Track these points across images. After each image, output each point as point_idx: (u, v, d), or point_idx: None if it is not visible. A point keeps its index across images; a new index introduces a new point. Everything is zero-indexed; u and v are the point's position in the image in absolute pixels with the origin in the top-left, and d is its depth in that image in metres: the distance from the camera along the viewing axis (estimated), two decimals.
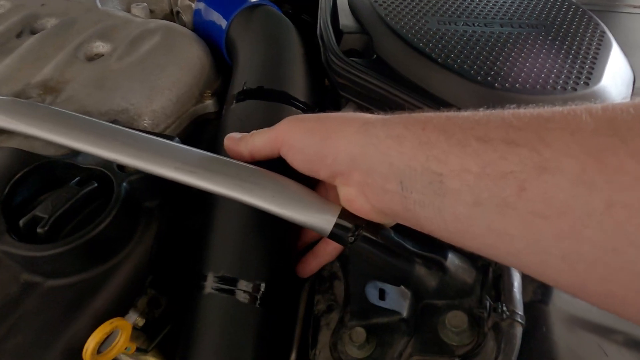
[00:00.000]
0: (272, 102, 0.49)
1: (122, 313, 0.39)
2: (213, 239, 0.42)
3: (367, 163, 0.32)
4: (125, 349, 0.37)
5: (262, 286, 0.40)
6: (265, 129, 0.39)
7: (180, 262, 0.45)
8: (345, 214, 0.37)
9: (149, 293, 0.45)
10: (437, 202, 0.27)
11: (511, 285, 0.34)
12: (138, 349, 0.40)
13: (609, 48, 0.53)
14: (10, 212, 0.39)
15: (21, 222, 0.38)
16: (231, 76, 0.56)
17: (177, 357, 0.40)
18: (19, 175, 0.40)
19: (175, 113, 0.53)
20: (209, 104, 0.56)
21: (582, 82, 0.48)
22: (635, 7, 0.71)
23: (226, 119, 0.50)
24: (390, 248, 0.37)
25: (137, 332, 0.41)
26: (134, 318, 0.40)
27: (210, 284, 0.40)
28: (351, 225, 0.37)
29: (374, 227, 0.37)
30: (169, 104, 0.52)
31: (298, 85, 0.52)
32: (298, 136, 0.36)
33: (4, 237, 0.37)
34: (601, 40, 0.54)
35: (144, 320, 0.42)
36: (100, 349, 0.35)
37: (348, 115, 0.35)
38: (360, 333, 0.38)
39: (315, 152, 0.35)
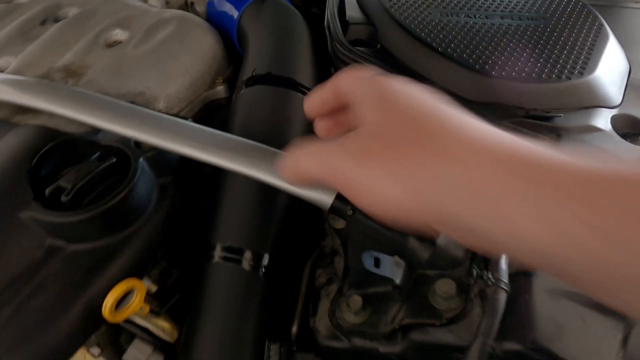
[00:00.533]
0: (279, 88, 0.52)
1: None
2: (221, 212, 0.45)
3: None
4: (140, 309, 0.40)
5: (266, 257, 0.43)
6: (311, 151, 0.31)
7: (190, 238, 0.48)
8: None
9: (161, 264, 0.48)
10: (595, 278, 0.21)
11: (498, 257, 0.36)
12: (151, 311, 0.43)
13: (605, 40, 0.55)
14: (37, 183, 0.42)
15: (47, 191, 0.41)
16: (242, 64, 0.59)
17: (186, 322, 0.43)
18: (44, 150, 0.43)
19: (188, 98, 0.56)
20: (220, 90, 0.59)
21: (576, 72, 0.50)
22: (637, 2, 0.72)
23: (235, 103, 0.53)
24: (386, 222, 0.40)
25: (150, 297, 0.44)
26: (147, 284, 0.44)
27: (217, 254, 0.43)
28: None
29: None
30: (183, 89, 0.55)
31: (305, 72, 0.55)
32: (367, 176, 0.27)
33: (31, 205, 0.40)
34: (598, 33, 0.56)
35: (157, 287, 0.45)
36: (117, 307, 0.38)
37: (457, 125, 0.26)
38: (356, 301, 0.41)
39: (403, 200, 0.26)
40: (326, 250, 0.51)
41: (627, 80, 0.54)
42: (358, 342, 0.40)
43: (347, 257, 0.47)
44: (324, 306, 0.45)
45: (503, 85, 0.48)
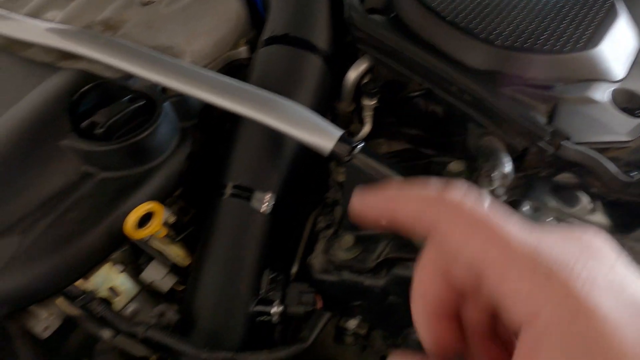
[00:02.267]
0: (295, 48, 0.56)
1: None
2: (234, 155, 0.50)
3: None
4: (157, 231, 0.46)
5: (273, 197, 0.48)
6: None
7: (206, 180, 0.54)
8: (344, 138, 0.44)
9: (178, 203, 0.54)
10: None
11: None
12: (167, 236, 0.49)
13: (614, 17, 0.56)
14: (75, 117, 0.48)
15: (83, 125, 0.47)
16: (263, 26, 0.63)
17: (197, 249, 0.48)
18: (83, 89, 0.49)
19: (212, 55, 0.61)
20: (242, 51, 0.64)
21: (579, 45, 0.51)
22: None
23: (254, 61, 0.57)
24: (379, 169, 0.44)
25: (167, 226, 0.49)
26: (166, 215, 0.49)
27: (228, 191, 0.48)
28: (348, 147, 0.44)
29: (367, 150, 0.44)
30: (207, 47, 0.60)
31: (321, 36, 0.59)
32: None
33: (70, 135, 0.46)
34: (608, 10, 0.57)
35: (174, 219, 0.51)
36: (139, 227, 0.44)
37: None
38: (348, 240, 0.45)
39: None
40: (329, 201, 0.55)
41: (637, 58, 0.55)
42: (347, 275, 0.45)
43: (343, 201, 0.52)
44: (320, 246, 0.49)
45: (504, 54, 0.51)
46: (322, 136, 0.44)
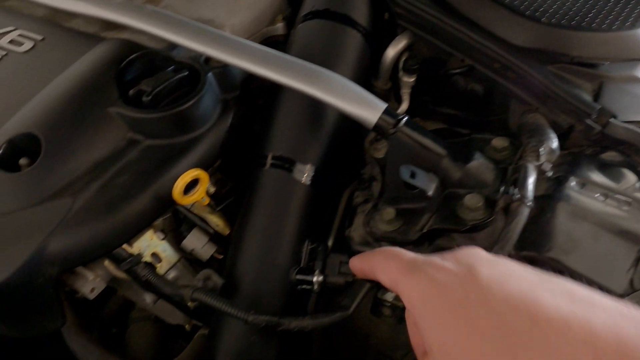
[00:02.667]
0: (335, 23, 0.56)
1: None
2: (275, 126, 0.50)
3: None
4: (202, 198, 0.47)
5: (312, 169, 0.48)
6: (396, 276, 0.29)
7: (245, 152, 0.54)
8: (389, 111, 0.44)
9: (217, 175, 0.54)
10: None
11: (525, 178, 0.40)
12: (209, 205, 0.49)
13: None
14: (122, 85, 0.49)
15: (130, 92, 0.47)
16: (302, 3, 0.63)
17: (238, 218, 0.49)
18: (129, 58, 0.50)
19: (251, 30, 0.61)
20: (280, 27, 0.64)
21: (628, 24, 0.51)
22: None
23: (293, 36, 0.58)
24: (423, 142, 0.44)
25: (208, 196, 0.50)
26: (207, 185, 0.50)
27: (269, 162, 0.48)
28: (393, 120, 0.44)
29: (411, 124, 0.44)
30: (246, 21, 0.60)
31: (361, 12, 0.58)
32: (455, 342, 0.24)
33: (118, 102, 0.47)
34: None
35: (214, 189, 0.52)
36: (185, 193, 0.45)
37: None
38: (389, 212, 0.45)
39: None
40: (365, 177, 0.55)
41: None
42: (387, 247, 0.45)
43: (384, 181, 0.52)
44: (359, 219, 0.50)
45: (551, 31, 0.50)
46: (367, 108, 0.44)
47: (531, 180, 0.40)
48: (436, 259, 0.27)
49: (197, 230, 0.50)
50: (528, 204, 0.38)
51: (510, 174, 0.42)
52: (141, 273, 0.44)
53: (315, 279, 0.44)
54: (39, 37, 0.54)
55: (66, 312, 0.48)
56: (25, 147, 0.44)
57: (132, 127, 0.47)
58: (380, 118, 0.44)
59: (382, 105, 0.44)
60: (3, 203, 0.42)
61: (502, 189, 0.40)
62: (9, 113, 0.46)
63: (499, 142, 0.46)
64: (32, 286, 0.41)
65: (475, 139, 0.49)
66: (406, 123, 0.44)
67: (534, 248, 0.38)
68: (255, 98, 0.58)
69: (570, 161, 0.44)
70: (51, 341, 0.50)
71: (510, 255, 0.38)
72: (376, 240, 0.46)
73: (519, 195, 0.39)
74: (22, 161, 0.44)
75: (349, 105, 0.44)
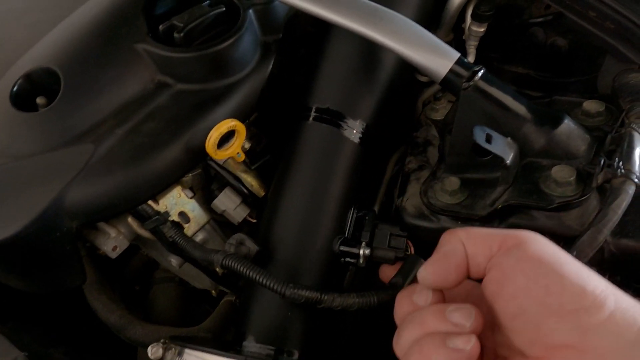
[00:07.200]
0: None
1: None
2: (322, 74, 0.43)
3: None
4: (237, 154, 0.41)
5: (364, 125, 0.42)
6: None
7: (284, 105, 0.48)
8: (462, 61, 0.37)
9: (252, 130, 0.48)
10: None
11: (632, 148, 0.33)
12: (244, 162, 0.44)
13: None
14: (152, 20, 0.43)
15: (161, 27, 0.41)
16: None
17: (276, 176, 0.43)
18: None
19: None
20: None
21: None
22: None
23: None
24: (502, 101, 0.37)
25: (244, 152, 0.45)
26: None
27: (314, 115, 0.42)
28: (466, 73, 0.37)
29: (488, 77, 0.37)
30: None
31: None
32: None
33: (146, 38, 0.41)
34: None
35: (249, 145, 0.46)
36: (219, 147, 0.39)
37: None
38: (453, 182, 0.39)
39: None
40: (419, 140, 0.49)
41: None
42: (447, 223, 0.39)
43: (443, 145, 0.45)
44: (413, 188, 0.43)
45: None
46: (437, 56, 0.37)
47: (638, 152, 0.32)
48: None
49: (229, 189, 0.44)
50: (635, 179, 0.31)
51: (608, 143, 0.35)
52: (168, 233, 0.40)
53: (361, 251, 0.39)
54: None
55: (87, 269, 0.44)
56: (43, 84, 0.39)
57: (161, 68, 0.41)
58: (451, 69, 0.37)
59: (455, 55, 0.37)
60: (18, 146, 0.38)
61: (601, 160, 0.33)
62: (26, 46, 0.41)
63: (592, 105, 0.39)
64: (49, 239, 0.37)
65: (558, 101, 0.42)
66: (483, 76, 0.36)
67: (638, 237, 0.31)
68: (298, 47, 0.51)
69: None
70: (71, 299, 0.47)
71: (605, 243, 0.32)
72: (434, 213, 0.40)
73: (623, 170, 0.31)
74: (40, 100, 0.39)
75: (414, 52, 0.37)
